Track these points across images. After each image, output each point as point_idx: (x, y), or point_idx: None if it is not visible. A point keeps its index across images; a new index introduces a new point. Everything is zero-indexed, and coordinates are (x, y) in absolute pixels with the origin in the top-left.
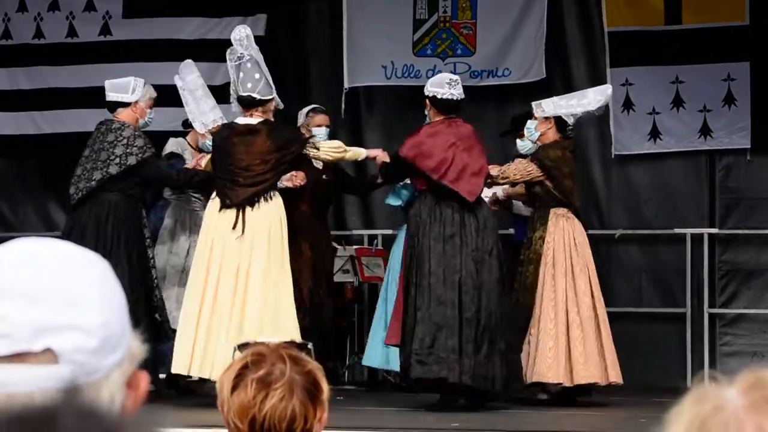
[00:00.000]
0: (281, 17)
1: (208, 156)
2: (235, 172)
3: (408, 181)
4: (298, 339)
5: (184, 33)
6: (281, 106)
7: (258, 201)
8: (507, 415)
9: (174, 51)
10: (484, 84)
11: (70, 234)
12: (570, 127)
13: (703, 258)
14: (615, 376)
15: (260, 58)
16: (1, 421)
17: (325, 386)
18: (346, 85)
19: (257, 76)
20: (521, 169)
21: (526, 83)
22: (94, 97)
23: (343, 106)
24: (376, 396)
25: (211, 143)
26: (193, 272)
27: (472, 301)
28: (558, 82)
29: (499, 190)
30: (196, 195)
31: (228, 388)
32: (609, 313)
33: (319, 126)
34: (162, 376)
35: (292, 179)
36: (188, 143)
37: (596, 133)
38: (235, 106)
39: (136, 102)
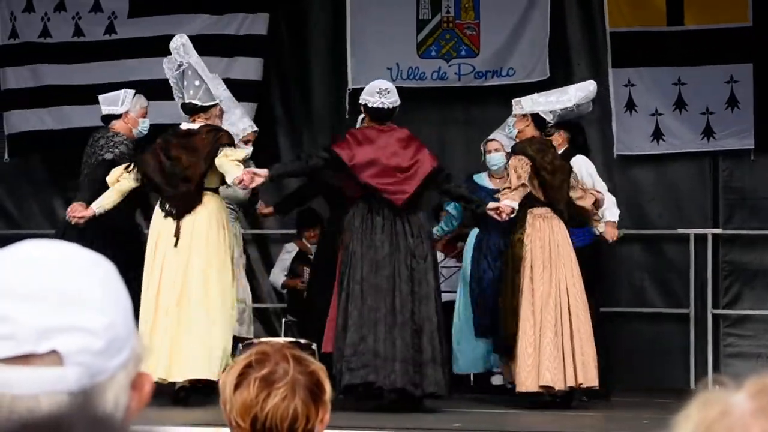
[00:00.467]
0: (284, 16)
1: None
2: (174, 177)
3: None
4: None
5: (187, 30)
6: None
7: (196, 205)
8: (509, 416)
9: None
10: (488, 84)
11: (63, 236)
12: (550, 125)
13: (707, 258)
14: (586, 380)
15: (200, 65)
16: (12, 428)
17: (328, 387)
18: (350, 85)
19: (197, 83)
20: (519, 167)
21: (529, 83)
22: (99, 93)
23: (347, 106)
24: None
25: (249, 151)
26: (145, 280)
27: (406, 307)
28: (560, 83)
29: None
30: (231, 206)
31: (231, 386)
32: (612, 314)
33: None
34: None
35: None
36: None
37: (599, 133)
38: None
39: (127, 113)
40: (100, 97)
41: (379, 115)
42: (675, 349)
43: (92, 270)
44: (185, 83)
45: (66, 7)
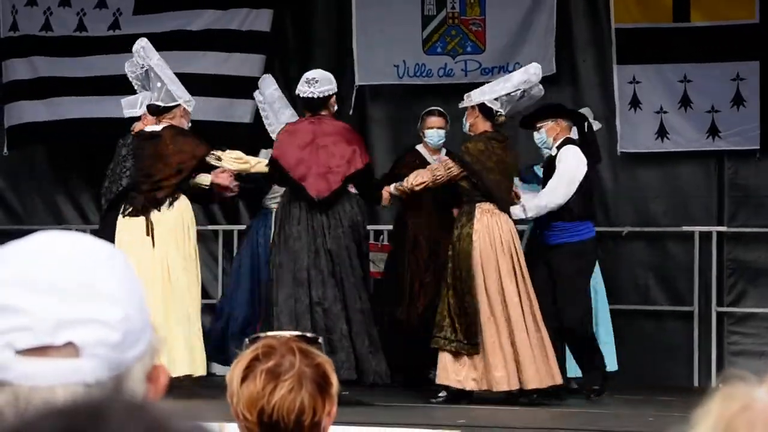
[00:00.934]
0: (287, 12)
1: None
2: (140, 178)
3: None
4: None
5: (192, 26)
6: (189, 108)
7: (161, 205)
8: (513, 412)
9: (181, 42)
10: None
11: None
12: (499, 114)
13: (712, 256)
14: (533, 382)
15: (161, 66)
16: (49, 415)
17: (335, 380)
18: (357, 82)
19: (159, 84)
20: (442, 168)
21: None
22: (102, 86)
23: (353, 102)
24: (384, 392)
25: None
26: None
27: (324, 298)
28: (566, 78)
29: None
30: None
31: (238, 379)
32: (616, 311)
33: (431, 128)
34: None
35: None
36: None
37: (603, 130)
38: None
39: (145, 114)
40: (123, 101)
41: (309, 105)
42: (679, 346)
43: (108, 262)
44: (150, 85)
45: (71, 2)
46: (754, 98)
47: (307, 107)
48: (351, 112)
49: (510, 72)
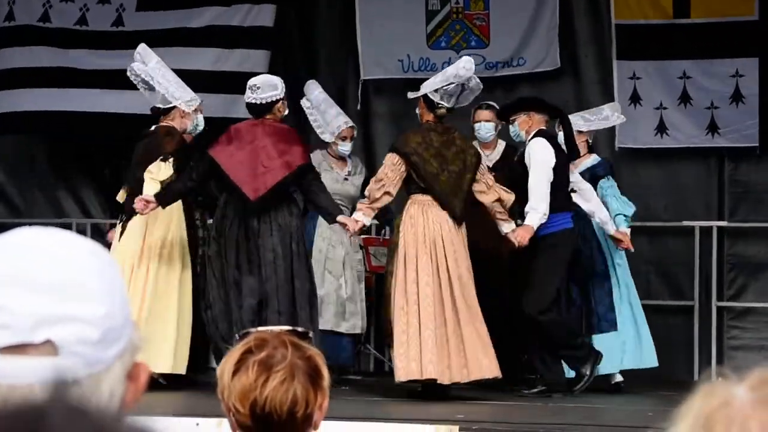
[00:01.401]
0: (291, 7)
1: None
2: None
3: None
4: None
5: (193, 23)
6: (189, 108)
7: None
8: (512, 407)
9: (184, 38)
10: (499, 75)
11: None
12: (440, 105)
13: (712, 251)
14: (459, 375)
15: (158, 69)
16: None
17: (326, 373)
18: (362, 76)
19: (157, 87)
20: (388, 164)
21: (540, 73)
22: (102, 79)
23: (359, 97)
24: (383, 386)
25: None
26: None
27: (278, 299)
28: (569, 74)
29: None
30: (344, 204)
31: (229, 373)
32: None
33: (479, 121)
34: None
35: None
36: (329, 155)
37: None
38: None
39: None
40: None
41: (252, 111)
42: (679, 341)
43: (89, 259)
44: (152, 88)
45: None
46: (754, 95)
47: (251, 112)
48: (359, 107)
49: (513, 66)
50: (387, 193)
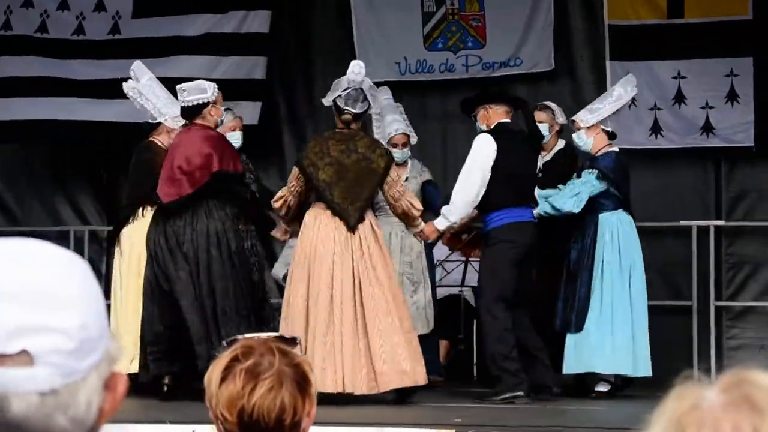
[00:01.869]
0: (285, 13)
1: None
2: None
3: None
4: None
5: (190, 30)
6: (176, 125)
7: (135, 217)
8: (510, 411)
9: (181, 46)
10: (496, 75)
11: None
12: (346, 111)
13: (710, 250)
14: (360, 387)
15: (149, 86)
16: None
17: (314, 380)
18: None
19: (148, 104)
20: (293, 175)
21: (536, 73)
22: (99, 89)
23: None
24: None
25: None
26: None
27: (199, 301)
28: (564, 74)
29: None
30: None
31: (217, 380)
32: None
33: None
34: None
35: None
36: None
37: None
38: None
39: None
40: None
41: (182, 115)
42: (677, 341)
43: (67, 269)
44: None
45: (69, 6)
46: (748, 94)
47: (182, 116)
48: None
49: (510, 66)
50: (286, 203)
